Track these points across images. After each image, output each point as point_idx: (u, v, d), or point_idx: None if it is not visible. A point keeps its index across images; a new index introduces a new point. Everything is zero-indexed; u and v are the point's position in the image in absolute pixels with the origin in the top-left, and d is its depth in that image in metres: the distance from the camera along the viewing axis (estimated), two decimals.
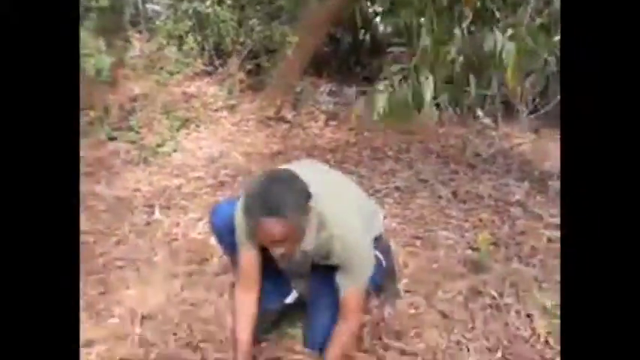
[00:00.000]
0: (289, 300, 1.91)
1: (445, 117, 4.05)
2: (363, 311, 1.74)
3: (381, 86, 2.08)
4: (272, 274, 1.90)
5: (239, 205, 1.62)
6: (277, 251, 1.49)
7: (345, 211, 1.62)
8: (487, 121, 4.19)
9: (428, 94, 1.94)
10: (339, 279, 1.63)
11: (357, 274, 1.63)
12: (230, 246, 1.76)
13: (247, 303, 1.70)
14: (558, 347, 1.83)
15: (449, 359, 1.77)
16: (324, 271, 1.80)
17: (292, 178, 1.49)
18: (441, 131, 3.94)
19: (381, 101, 2.01)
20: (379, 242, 1.86)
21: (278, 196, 1.41)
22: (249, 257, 1.67)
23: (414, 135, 3.84)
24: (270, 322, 1.87)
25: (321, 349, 1.75)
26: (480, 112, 4.27)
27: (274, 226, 1.40)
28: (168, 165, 3.23)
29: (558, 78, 2.76)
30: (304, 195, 1.47)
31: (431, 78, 1.91)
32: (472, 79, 1.98)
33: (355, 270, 1.62)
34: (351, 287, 1.62)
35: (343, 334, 1.64)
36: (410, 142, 3.71)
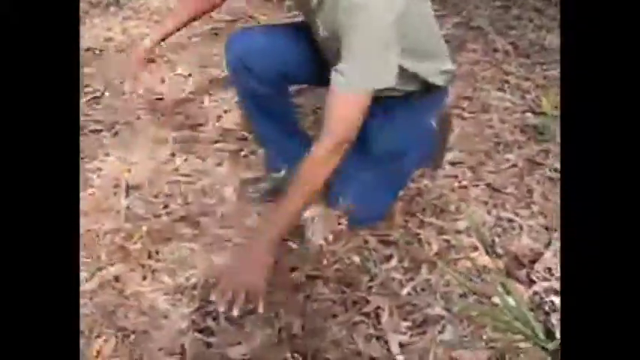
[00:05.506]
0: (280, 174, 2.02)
1: None
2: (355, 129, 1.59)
3: None
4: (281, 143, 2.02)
5: None
6: None
7: None
8: None
9: None
10: (334, 71, 1.56)
11: (358, 68, 1.54)
12: (246, 90, 1.90)
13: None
14: None
15: (497, 238, 1.85)
16: None
17: None
18: None
19: None
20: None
21: None
22: None
23: None
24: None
25: None
26: None
27: None
28: (144, 10, 3.21)
29: None
30: None
31: None
32: None
33: (356, 55, 1.53)
34: (345, 85, 1.55)
35: (321, 147, 1.57)
36: None
